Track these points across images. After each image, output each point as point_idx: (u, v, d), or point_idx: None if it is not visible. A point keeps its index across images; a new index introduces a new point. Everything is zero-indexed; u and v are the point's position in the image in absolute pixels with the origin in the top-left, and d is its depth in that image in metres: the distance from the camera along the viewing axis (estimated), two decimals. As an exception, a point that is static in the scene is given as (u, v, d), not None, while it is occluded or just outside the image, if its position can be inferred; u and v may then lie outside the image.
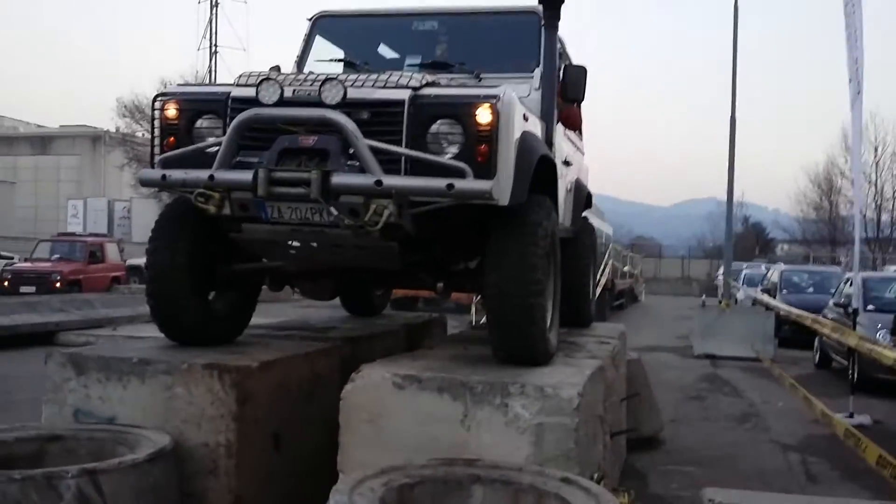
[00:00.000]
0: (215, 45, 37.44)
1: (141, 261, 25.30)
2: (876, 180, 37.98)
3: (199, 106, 3.89)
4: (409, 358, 3.99)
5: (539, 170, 3.85)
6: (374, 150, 3.42)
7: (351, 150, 3.45)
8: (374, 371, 3.48)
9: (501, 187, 3.47)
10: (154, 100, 3.95)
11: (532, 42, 4.65)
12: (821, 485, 6.07)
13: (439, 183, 3.37)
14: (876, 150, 37.75)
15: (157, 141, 3.91)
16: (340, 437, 3.42)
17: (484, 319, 12.86)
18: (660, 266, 46.19)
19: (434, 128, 3.52)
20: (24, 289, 18.33)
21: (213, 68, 37.02)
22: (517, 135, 3.62)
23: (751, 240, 50.46)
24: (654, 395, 7.30)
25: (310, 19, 5.20)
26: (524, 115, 3.81)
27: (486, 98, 3.48)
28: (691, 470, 6.25)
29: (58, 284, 18.87)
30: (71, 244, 21.42)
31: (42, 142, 44.04)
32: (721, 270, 29.56)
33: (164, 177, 3.73)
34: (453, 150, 3.50)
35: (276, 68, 4.17)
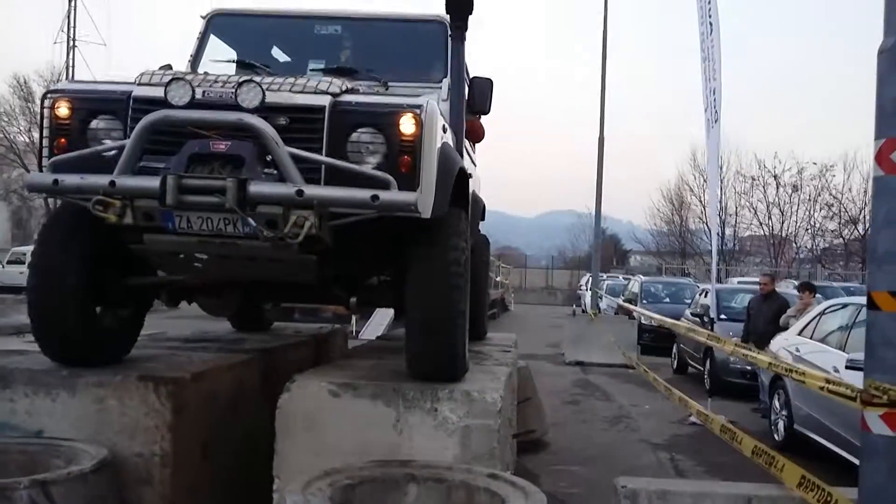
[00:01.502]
0: (74, 39, 35.61)
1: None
2: (721, 197, 40.91)
3: (95, 105, 3.59)
4: (336, 368, 4.20)
5: (456, 182, 3.84)
6: (294, 158, 3.27)
7: (268, 157, 3.29)
8: (310, 380, 3.67)
9: (425, 200, 3.39)
10: (44, 97, 3.64)
11: (438, 51, 4.63)
12: (689, 478, 6.71)
13: (363, 194, 3.25)
14: (721, 168, 40.64)
15: (46, 142, 3.57)
16: (277, 444, 3.59)
17: (367, 329, 13.17)
18: (525, 276, 47.75)
19: (355, 136, 3.40)
20: None
21: (70, 63, 35.27)
22: (438, 145, 3.54)
23: (609, 250, 52.96)
24: (540, 400, 7.81)
25: (204, 17, 4.92)
26: (443, 126, 3.74)
27: (410, 108, 3.37)
28: (576, 469, 6.78)
29: None
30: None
31: None
32: (583, 281, 31.05)
33: (55, 182, 3.40)
34: (374, 159, 3.39)
35: (168, 67, 3.85)
